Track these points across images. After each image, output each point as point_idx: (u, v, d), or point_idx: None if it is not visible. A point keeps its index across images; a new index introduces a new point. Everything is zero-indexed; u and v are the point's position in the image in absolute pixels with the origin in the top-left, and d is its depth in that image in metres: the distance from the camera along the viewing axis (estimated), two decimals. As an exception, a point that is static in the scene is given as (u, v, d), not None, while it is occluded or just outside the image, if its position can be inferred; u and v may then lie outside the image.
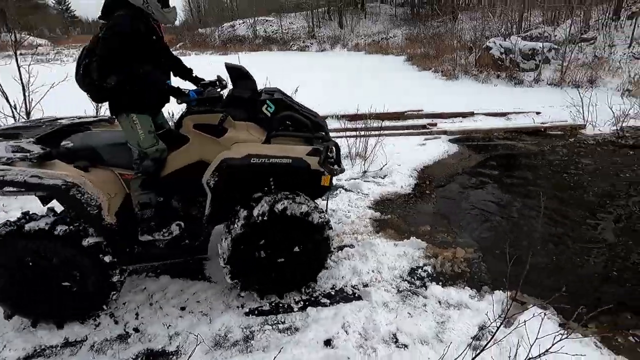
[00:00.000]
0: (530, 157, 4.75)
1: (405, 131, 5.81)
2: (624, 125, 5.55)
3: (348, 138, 4.48)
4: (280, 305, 2.24)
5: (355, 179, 4.05)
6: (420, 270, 2.59)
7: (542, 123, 5.82)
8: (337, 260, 2.63)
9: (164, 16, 1.92)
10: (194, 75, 2.34)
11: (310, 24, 25.54)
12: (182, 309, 2.21)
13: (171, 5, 1.97)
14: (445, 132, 5.67)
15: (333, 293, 2.37)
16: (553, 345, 1.54)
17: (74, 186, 1.81)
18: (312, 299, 2.31)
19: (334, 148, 2.17)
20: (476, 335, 2.04)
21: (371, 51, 19.35)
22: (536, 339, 1.60)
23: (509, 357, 1.74)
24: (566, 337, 1.84)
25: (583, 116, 5.78)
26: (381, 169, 4.21)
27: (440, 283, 2.46)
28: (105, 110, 4.02)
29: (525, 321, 1.83)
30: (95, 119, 2.54)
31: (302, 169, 2.02)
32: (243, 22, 27.19)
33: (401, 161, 4.54)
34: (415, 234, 3.00)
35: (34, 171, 1.76)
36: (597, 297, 2.34)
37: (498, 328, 1.75)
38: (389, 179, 4.07)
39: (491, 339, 1.74)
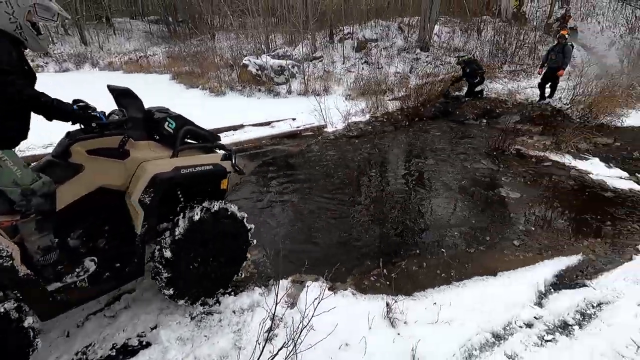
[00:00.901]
0: (293, 156, 5.58)
1: (180, 152, 5.63)
2: (349, 121, 7.38)
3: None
4: None
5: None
6: (213, 287, 2.59)
7: (298, 127, 6.93)
8: (114, 315, 2.28)
9: (38, 44, 1.76)
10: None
11: (39, 39, 20.58)
12: None
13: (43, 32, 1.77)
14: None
15: (114, 354, 2.04)
16: (317, 304, 1.86)
17: None
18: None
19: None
20: (270, 326, 2.23)
21: (130, 70, 17.58)
22: (305, 308, 1.90)
23: (294, 331, 1.99)
24: (329, 296, 2.28)
25: (324, 118, 7.27)
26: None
27: (232, 293, 2.54)
28: None
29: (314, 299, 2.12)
30: None
31: (220, 173, 2.30)
32: None
33: (179, 183, 4.38)
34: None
35: None
36: (354, 257, 3.01)
37: (273, 316, 1.95)
38: (167, 204, 3.85)
39: (272, 323, 1.95)
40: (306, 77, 10.85)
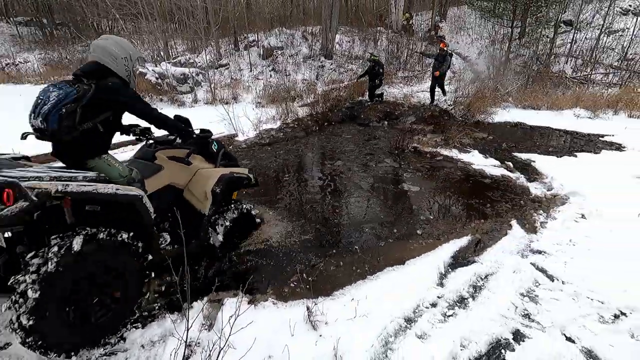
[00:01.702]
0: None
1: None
2: (261, 129, 7.32)
3: None
4: None
5: None
6: (117, 323, 2.30)
7: (207, 137, 6.63)
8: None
9: (134, 84, 2.42)
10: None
11: None
12: None
13: None
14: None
15: None
16: (233, 321, 1.79)
17: None
18: None
19: None
20: (184, 354, 2.06)
21: (-6, 81, 14.76)
22: (222, 328, 1.81)
23: (209, 356, 1.88)
24: (248, 309, 2.22)
25: (234, 127, 7.08)
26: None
27: (140, 325, 2.29)
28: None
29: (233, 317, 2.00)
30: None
31: (248, 181, 3.08)
32: None
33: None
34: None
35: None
36: (273, 265, 2.96)
37: (186, 342, 1.82)
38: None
39: (185, 350, 1.82)
40: (212, 85, 10.45)
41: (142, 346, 2.12)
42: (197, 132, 2.78)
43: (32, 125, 2.05)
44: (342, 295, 2.55)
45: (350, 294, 2.55)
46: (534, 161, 5.61)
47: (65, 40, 20.20)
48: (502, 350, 2.11)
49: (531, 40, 16.28)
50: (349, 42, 16.25)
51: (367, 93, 10.57)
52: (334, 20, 13.66)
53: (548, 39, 15.49)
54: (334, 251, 3.17)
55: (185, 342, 1.66)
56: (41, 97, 2.04)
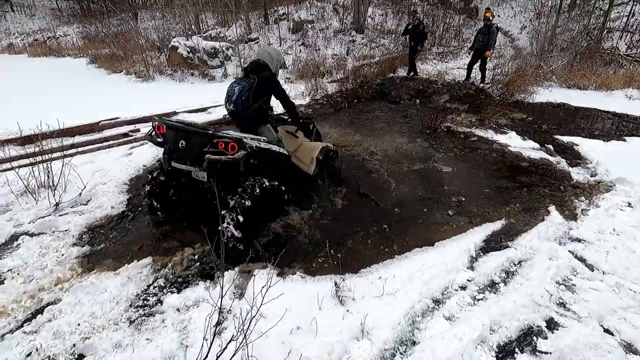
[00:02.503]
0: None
1: (105, 144, 5.12)
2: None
3: (18, 169, 3.46)
4: None
5: (44, 217, 3.21)
6: (152, 287, 2.44)
7: (236, 112, 6.67)
8: (37, 329, 2.04)
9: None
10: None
11: None
12: None
13: None
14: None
15: (40, 372, 1.84)
16: (265, 291, 1.83)
17: None
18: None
19: None
20: (217, 320, 2.15)
21: (37, 53, 15.47)
22: (254, 297, 1.87)
23: (243, 323, 1.95)
24: (278, 282, 2.27)
25: (263, 102, 7.08)
26: (80, 194, 3.54)
27: (175, 290, 2.41)
28: None
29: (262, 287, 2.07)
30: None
31: (335, 153, 3.86)
32: None
33: (106, 178, 4.00)
34: (140, 253, 2.76)
35: None
36: (301, 242, 3.00)
37: (220, 309, 1.89)
38: (93, 203, 3.50)
39: (219, 316, 1.89)
40: (242, 60, 10.42)
41: (178, 310, 2.23)
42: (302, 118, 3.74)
43: (227, 109, 3.11)
44: (370, 273, 2.56)
45: (377, 273, 2.55)
46: (577, 145, 5.27)
47: (101, 14, 20.66)
48: (534, 338, 2.05)
49: (582, 13, 14.95)
50: (382, 15, 15.59)
51: (408, 63, 10.01)
52: (367, -8, 13.10)
53: (602, 12, 14.16)
54: (362, 229, 3.16)
55: (220, 308, 1.72)
56: (230, 91, 3.02)
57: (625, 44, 13.81)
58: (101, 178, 3.99)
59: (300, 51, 12.39)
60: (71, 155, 4.08)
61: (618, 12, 15.12)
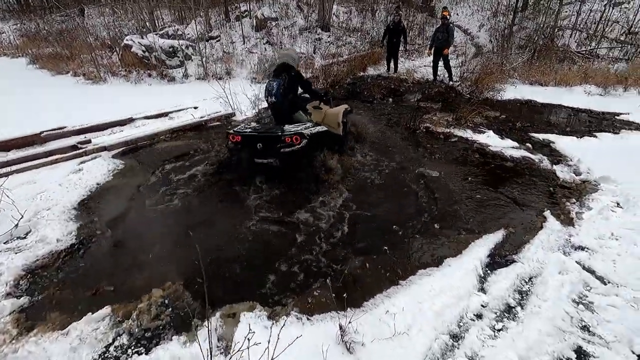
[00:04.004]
0: (202, 152, 4.84)
1: (48, 159, 4.41)
2: (260, 107, 6.82)
3: None
4: None
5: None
6: (112, 349, 1.95)
7: (202, 117, 6.12)
8: None
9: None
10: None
11: None
12: None
13: None
14: (105, 148, 4.78)
15: None
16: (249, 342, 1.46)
17: None
18: None
19: None
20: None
21: (-35, 53, 13.73)
22: (239, 351, 1.48)
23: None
24: (270, 325, 1.89)
25: (231, 105, 6.57)
26: (16, 225, 2.93)
27: (143, 350, 1.95)
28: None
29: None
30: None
31: (351, 110, 5.07)
32: None
33: (51, 203, 3.39)
34: (94, 301, 2.26)
35: None
36: (291, 271, 2.62)
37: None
38: (34, 235, 2.91)
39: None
40: (204, 60, 9.75)
41: (148, 378, 1.79)
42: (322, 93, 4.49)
43: (268, 102, 3.95)
44: (375, 307, 2.24)
45: (384, 305, 2.24)
46: (553, 142, 5.28)
47: (42, 10, 18.85)
48: (568, 374, 1.84)
49: (535, 12, 15.61)
50: (346, 13, 15.40)
51: (393, 61, 10.07)
52: (331, -11, 12.82)
53: (552, 11, 14.84)
54: (359, 251, 2.83)
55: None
56: (269, 87, 3.84)
57: (575, 42, 14.59)
58: (44, 202, 3.37)
59: (266, 49, 11.88)
60: (5, 175, 3.44)
61: (566, 11, 15.96)
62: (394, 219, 3.29)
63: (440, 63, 9.23)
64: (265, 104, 7.15)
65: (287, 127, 3.73)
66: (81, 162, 4.37)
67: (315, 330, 2.03)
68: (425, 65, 11.50)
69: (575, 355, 1.93)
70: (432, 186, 3.95)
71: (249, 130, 3.72)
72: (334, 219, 3.26)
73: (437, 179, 4.14)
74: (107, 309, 2.14)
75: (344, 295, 2.09)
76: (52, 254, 2.71)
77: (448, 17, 8.85)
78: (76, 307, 2.21)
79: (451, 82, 9.15)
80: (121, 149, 4.86)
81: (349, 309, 2.19)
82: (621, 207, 3.47)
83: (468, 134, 5.63)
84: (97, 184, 3.85)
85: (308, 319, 2.14)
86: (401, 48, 9.89)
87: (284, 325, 1.92)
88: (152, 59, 9.75)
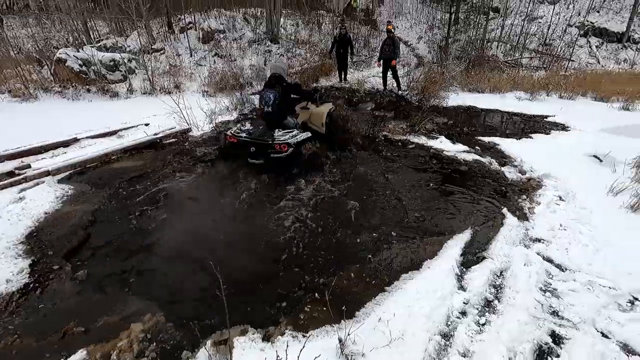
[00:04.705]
0: (158, 172, 4.58)
1: (-20, 189, 3.89)
2: (217, 122, 6.64)
3: None
4: None
5: None
6: (93, 395, 1.77)
7: (156, 134, 5.79)
8: None
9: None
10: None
11: None
12: None
13: None
14: (48, 173, 4.33)
15: None
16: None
17: None
18: None
19: None
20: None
21: None
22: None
23: None
24: (266, 347, 1.84)
25: (186, 120, 6.31)
26: (-48, 269, 2.53)
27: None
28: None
29: None
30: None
31: (335, 108, 5.43)
32: None
33: (-12, 239, 2.98)
34: (64, 345, 2.02)
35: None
36: (277, 290, 2.56)
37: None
38: (-24, 278, 2.53)
39: None
40: (150, 73, 9.28)
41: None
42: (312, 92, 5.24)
43: (265, 111, 4.43)
44: (367, 316, 2.27)
45: (375, 313, 2.28)
46: (498, 144, 5.79)
47: (-52, 19, 16.67)
48: (549, 358, 2.01)
49: (465, 26, 17.09)
50: (293, 25, 15.62)
51: (343, 70, 10.43)
52: (277, 3, 12.94)
53: (481, 25, 16.37)
54: (341, 262, 2.86)
55: None
56: (266, 97, 4.40)
57: (502, 53, 16.21)
58: (-18, 239, 2.96)
59: (215, 62, 11.63)
60: None
61: (492, 26, 17.69)
62: (369, 227, 3.37)
63: (389, 73, 9.70)
64: (223, 117, 7.01)
65: (277, 134, 4.31)
66: (22, 190, 3.91)
67: (314, 346, 2.00)
68: (374, 76, 12.00)
69: (551, 340, 2.12)
70: (399, 193, 4.12)
71: (244, 135, 4.33)
72: (308, 231, 3.27)
73: (402, 185, 4.33)
74: (81, 353, 1.93)
75: (342, 308, 2.10)
76: (2, 297, 2.38)
77: (392, 30, 9.38)
78: (43, 355, 1.96)
79: (400, 92, 9.64)
80: (68, 173, 4.43)
81: (342, 321, 2.20)
82: (563, 200, 3.90)
83: (423, 140, 5.97)
84: (45, 212, 3.47)
85: (304, 335, 2.11)
86: (349, 58, 10.31)
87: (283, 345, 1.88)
88: (90, 73, 9.06)
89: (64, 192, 3.93)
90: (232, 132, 4.42)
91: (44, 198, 3.74)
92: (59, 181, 4.23)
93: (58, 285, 2.52)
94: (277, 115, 4.46)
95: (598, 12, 17.72)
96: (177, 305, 2.34)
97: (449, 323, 2.24)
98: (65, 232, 3.18)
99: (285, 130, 4.42)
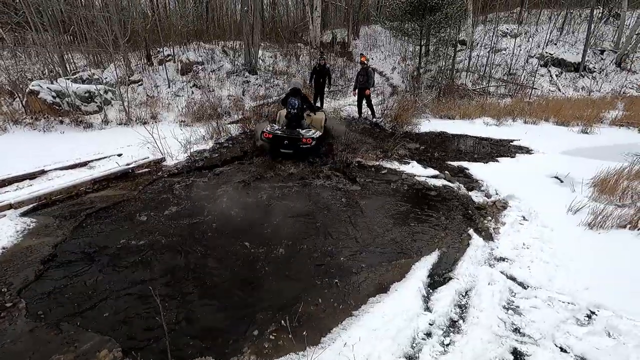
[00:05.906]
0: (131, 204, 4.50)
1: None
2: (192, 151, 6.64)
3: None
4: None
5: None
6: None
7: (128, 164, 5.73)
8: None
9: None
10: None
11: None
12: None
13: None
14: (10, 206, 4.19)
15: None
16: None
17: None
18: None
19: None
20: None
21: None
22: None
23: None
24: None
25: (160, 150, 6.29)
26: None
27: None
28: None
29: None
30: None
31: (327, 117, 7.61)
32: None
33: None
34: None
35: None
36: (243, 320, 2.51)
37: None
38: None
39: None
40: (126, 104, 9.28)
41: None
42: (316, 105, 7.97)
43: (291, 113, 6.50)
44: (333, 342, 2.25)
45: (340, 339, 2.26)
46: (467, 169, 6.01)
47: None
48: (510, 375, 2.03)
49: (436, 57, 18.09)
50: (271, 57, 16.11)
51: (319, 99, 10.70)
52: (255, 36, 13.40)
53: (450, 56, 17.36)
54: (308, 286, 2.84)
55: None
56: (292, 103, 6.48)
57: (470, 82, 17.12)
58: None
59: (193, 93, 11.77)
60: None
61: (460, 57, 18.78)
62: (337, 252, 3.39)
63: (364, 102, 10.06)
64: (198, 146, 7.03)
65: (302, 131, 6.26)
66: (-19, 225, 3.75)
67: (277, 376, 1.96)
68: (349, 105, 12.41)
69: (512, 357, 2.16)
70: (371, 218, 4.19)
71: (279, 132, 6.12)
72: (274, 256, 3.25)
73: (372, 209, 4.40)
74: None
75: (307, 334, 2.07)
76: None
77: (366, 62, 9.85)
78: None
79: (374, 119, 9.97)
80: (32, 205, 4.30)
81: (307, 348, 2.17)
82: (527, 220, 4.05)
83: (395, 165, 6.14)
84: (3, 248, 3.33)
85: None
86: (326, 88, 10.69)
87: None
88: (64, 105, 8.97)
89: (26, 226, 3.80)
90: (268, 129, 6.12)
91: (3, 232, 3.60)
92: (22, 214, 4.09)
93: (10, 325, 2.39)
94: (299, 116, 6.51)
95: (555, 44, 19.15)
96: (134, 340, 2.25)
97: (414, 345, 2.25)
98: (21, 267, 3.04)
99: (306, 129, 6.41)
